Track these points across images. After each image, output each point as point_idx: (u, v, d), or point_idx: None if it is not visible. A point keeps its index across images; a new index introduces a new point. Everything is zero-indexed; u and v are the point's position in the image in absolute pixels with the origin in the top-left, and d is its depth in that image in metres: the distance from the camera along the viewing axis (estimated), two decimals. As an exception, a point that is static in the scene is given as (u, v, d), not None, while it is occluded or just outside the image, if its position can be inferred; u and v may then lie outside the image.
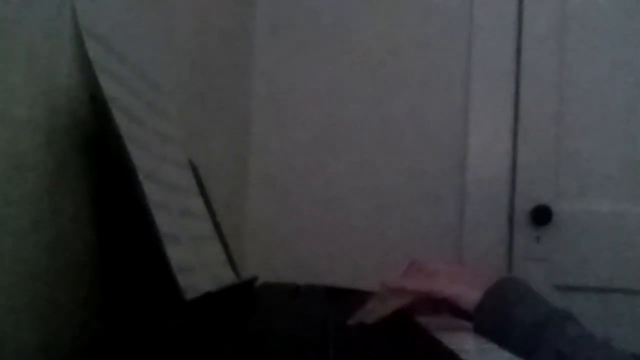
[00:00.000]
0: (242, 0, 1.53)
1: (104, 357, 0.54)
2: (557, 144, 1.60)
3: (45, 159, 0.49)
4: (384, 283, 0.80)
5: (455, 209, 1.59)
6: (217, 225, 0.78)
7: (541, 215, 1.56)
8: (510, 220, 1.59)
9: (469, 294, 0.73)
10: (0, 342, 0.44)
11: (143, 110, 0.61)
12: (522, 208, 1.59)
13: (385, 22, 1.64)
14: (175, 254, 0.53)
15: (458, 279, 0.77)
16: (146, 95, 0.64)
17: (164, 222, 0.53)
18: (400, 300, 0.76)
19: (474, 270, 0.82)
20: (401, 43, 1.63)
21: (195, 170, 0.79)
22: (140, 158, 0.53)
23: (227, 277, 0.72)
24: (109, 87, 0.52)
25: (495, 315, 0.70)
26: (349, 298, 0.97)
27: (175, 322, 0.49)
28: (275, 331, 0.55)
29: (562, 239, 1.58)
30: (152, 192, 0.54)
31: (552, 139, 1.60)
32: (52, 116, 0.51)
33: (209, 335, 0.51)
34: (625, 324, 1.51)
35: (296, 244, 1.61)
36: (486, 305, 0.72)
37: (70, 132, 0.53)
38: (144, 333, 0.51)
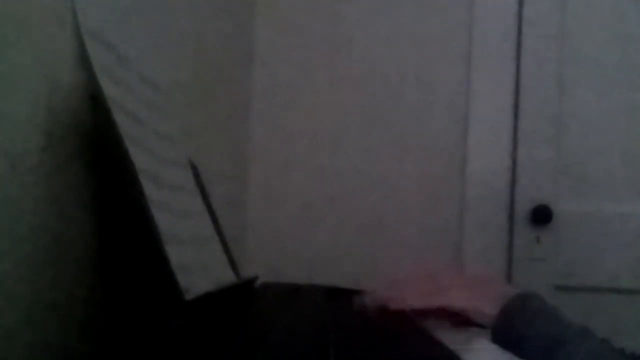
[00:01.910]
0: (242, 0, 1.53)
1: (104, 357, 0.54)
2: (557, 144, 1.60)
3: (45, 159, 0.49)
4: (392, 302, 0.78)
5: (455, 209, 1.59)
6: (217, 225, 0.78)
7: (541, 215, 1.56)
8: (510, 220, 1.59)
9: (483, 308, 0.73)
10: (1, 341, 0.44)
11: (143, 110, 0.61)
12: (522, 208, 1.59)
13: (385, 22, 1.64)
14: (175, 254, 0.53)
15: (471, 292, 0.76)
16: (146, 95, 0.64)
17: (164, 222, 0.53)
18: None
19: (486, 281, 0.81)
20: (401, 43, 1.63)
21: (195, 170, 0.79)
22: (140, 158, 0.53)
23: (227, 277, 0.72)
24: (109, 87, 0.52)
25: (512, 333, 0.69)
26: (349, 298, 0.97)
27: (175, 322, 0.49)
28: (275, 331, 0.55)
29: (562, 239, 1.58)
30: (152, 192, 0.54)
31: (552, 139, 1.60)
32: (53, 116, 0.51)
33: (209, 335, 0.51)
34: (625, 324, 1.51)
35: (296, 244, 1.61)
36: (503, 322, 0.71)
37: (70, 132, 0.53)
38: (144, 333, 0.51)
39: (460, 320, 0.76)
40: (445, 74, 1.62)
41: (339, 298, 0.96)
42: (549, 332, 0.67)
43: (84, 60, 0.52)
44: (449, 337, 0.64)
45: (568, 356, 0.63)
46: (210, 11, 1.17)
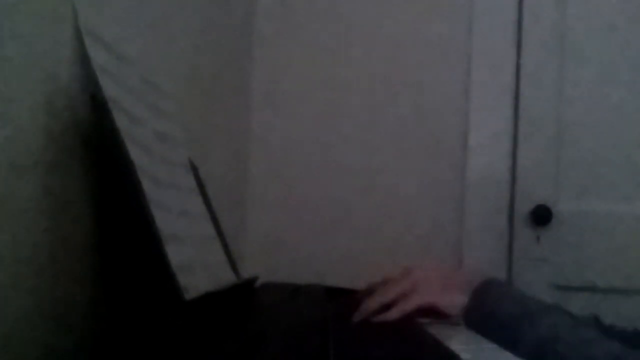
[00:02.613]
0: (242, 0, 1.53)
1: (104, 357, 0.54)
2: (557, 144, 1.60)
3: (45, 159, 0.49)
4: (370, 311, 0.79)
5: (455, 209, 1.59)
6: (217, 225, 0.78)
7: (541, 215, 1.56)
8: (510, 220, 1.59)
9: (453, 299, 0.75)
10: (1, 342, 0.44)
11: (143, 110, 0.61)
12: (522, 208, 1.59)
13: (385, 22, 1.63)
14: (175, 254, 0.53)
15: (439, 285, 0.78)
16: (146, 95, 0.64)
17: (164, 222, 0.53)
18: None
19: (452, 272, 0.84)
20: (401, 43, 1.63)
21: (195, 170, 0.79)
22: (140, 158, 0.53)
23: (227, 277, 0.72)
24: (109, 87, 0.52)
25: (481, 314, 0.72)
26: (349, 298, 0.97)
27: (175, 322, 0.49)
28: (275, 331, 0.55)
29: (562, 239, 1.58)
30: (152, 192, 0.54)
31: (552, 139, 1.60)
32: (52, 116, 0.51)
33: (209, 335, 0.51)
34: (625, 324, 1.50)
35: (296, 244, 1.61)
36: (473, 306, 0.74)
37: (70, 132, 0.53)
38: (144, 333, 0.51)
39: (433, 313, 0.78)
40: (445, 74, 1.62)
41: (339, 298, 0.96)
42: (516, 309, 0.70)
43: (84, 60, 0.52)
44: (448, 337, 0.65)
45: (532, 329, 0.66)
46: (210, 11, 1.17)
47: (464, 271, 0.84)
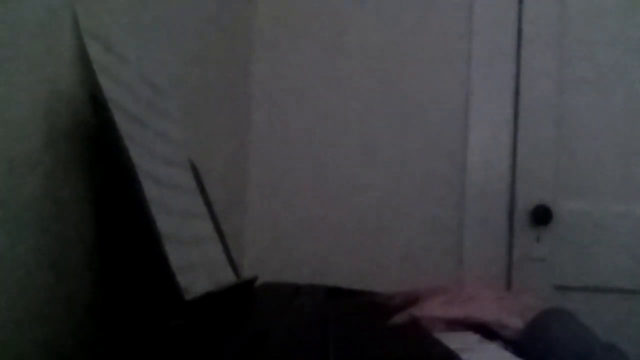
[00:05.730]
0: (243, 0, 1.53)
1: (104, 357, 0.54)
2: (557, 143, 1.60)
3: (45, 159, 0.49)
4: (416, 313, 0.78)
5: (455, 209, 1.59)
6: (217, 225, 0.78)
7: (541, 215, 1.56)
8: (510, 220, 1.59)
9: (506, 321, 0.73)
10: (1, 342, 0.44)
11: (143, 110, 0.61)
12: (522, 208, 1.59)
13: (385, 22, 1.64)
14: (175, 254, 0.53)
15: (495, 304, 0.76)
16: (146, 95, 0.64)
17: (164, 222, 0.53)
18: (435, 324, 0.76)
19: (512, 295, 0.81)
20: (401, 42, 1.63)
21: (195, 170, 0.79)
22: (140, 158, 0.53)
23: (227, 277, 0.72)
24: (109, 88, 0.52)
25: (537, 349, 0.69)
26: (349, 298, 0.97)
27: (175, 322, 0.49)
28: (275, 331, 0.55)
29: (562, 239, 1.58)
30: (152, 192, 0.54)
31: (552, 139, 1.60)
32: (52, 116, 0.51)
33: (209, 335, 0.51)
34: (625, 324, 1.51)
35: (296, 244, 1.61)
36: (528, 338, 0.71)
37: (70, 132, 0.53)
38: (144, 333, 0.51)
39: (482, 330, 0.76)
40: (445, 73, 1.62)
41: (339, 298, 0.96)
42: (575, 349, 0.67)
43: (84, 60, 0.52)
44: (449, 337, 0.65)
45: None
46: (210, 11, 1.17)
47: (520, 295, 0.80)
